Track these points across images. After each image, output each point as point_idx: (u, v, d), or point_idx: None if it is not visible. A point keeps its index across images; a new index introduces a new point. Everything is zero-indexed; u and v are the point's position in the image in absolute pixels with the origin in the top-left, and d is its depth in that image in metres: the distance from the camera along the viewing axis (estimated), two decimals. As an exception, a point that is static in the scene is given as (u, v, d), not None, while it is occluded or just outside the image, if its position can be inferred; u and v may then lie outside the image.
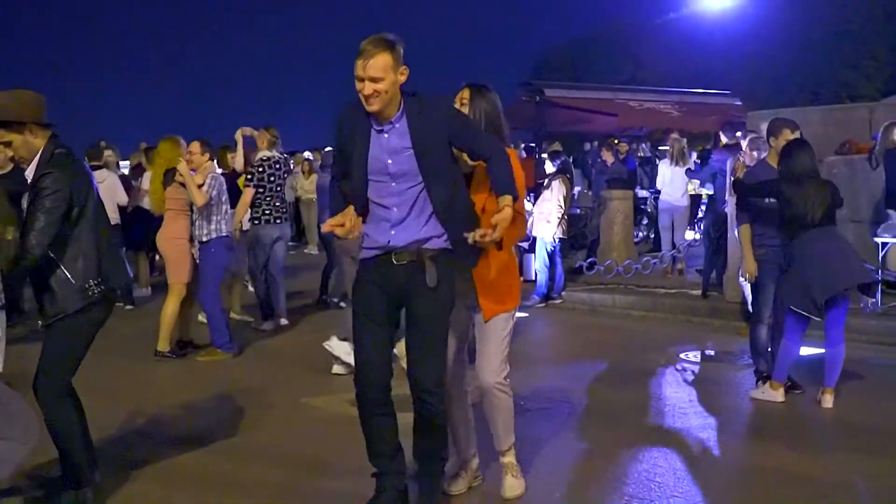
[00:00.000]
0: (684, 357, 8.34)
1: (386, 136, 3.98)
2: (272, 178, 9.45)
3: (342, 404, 6.47)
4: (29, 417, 4.08)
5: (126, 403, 6.29)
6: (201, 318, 9.46)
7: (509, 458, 4.58)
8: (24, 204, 4.37)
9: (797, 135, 6.78)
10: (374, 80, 3.82)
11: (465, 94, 4.33)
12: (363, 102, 3.90)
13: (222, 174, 9.02)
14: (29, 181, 4.34)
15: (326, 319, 10.19)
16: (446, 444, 4.28)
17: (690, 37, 31.47)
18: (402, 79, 3.91)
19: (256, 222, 9.47)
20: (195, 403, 6.60)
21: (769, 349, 6.85)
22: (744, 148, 8.95)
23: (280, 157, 9.70)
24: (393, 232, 4.02)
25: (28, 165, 4.38)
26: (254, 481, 4.85)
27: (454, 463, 4.59)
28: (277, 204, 9.50)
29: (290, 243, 18.12)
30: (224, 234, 8.11)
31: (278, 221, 9.53)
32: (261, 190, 9.38)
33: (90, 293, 4.33)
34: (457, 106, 4.27)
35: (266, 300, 9.78)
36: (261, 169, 9.41)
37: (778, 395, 6.50)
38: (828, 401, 6.32)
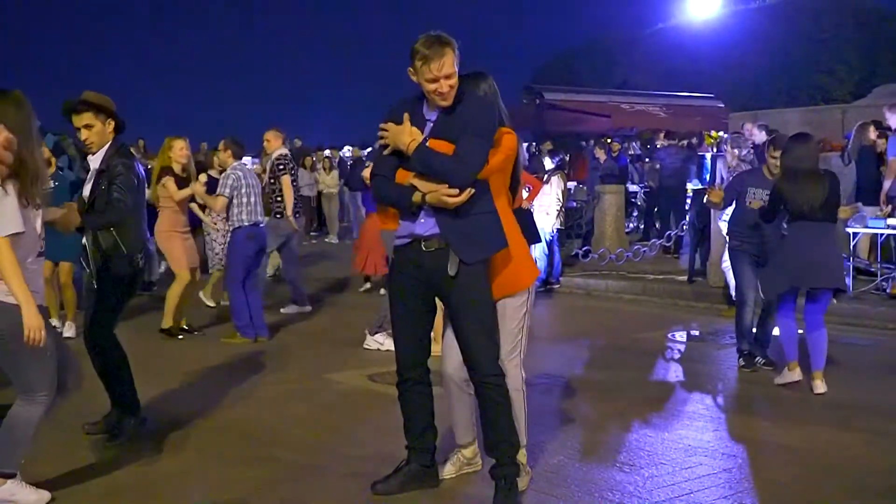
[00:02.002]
0: (671, 337, 8.34)
1: (430, 124, 3.84)
2: (293, 172, 9.30)
3: (361, 379, 6.49)
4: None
5: (151, 379, 6.20)
6: (210, 302, 9.49)
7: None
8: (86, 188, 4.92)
9: (776, 154, 6.39)
10: (448, 77, 3.71)
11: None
12: (436, 99, 3.76)
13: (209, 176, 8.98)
14: (94, 167, 4.89)
15: (346, 302, 10.24)
16: (514, 430, 3.98)
17: (677, 45, 31.31)
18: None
19: (279, 216, 9.06)
20: (219, 379, 6.56)
21: (753, 330, 6.84)
22: (727, 149, 8.94)
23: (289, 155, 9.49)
24: (422, 220, 3.81)
25: (94, 153, 4.89)
26: (272, 454, 4.79)
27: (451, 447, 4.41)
28: (296, 197, 9.31)
29: (313, 233, 18.32)
30: (246, 224, 7.78)
31: (297, 215, 9.29)
32: (272, 183, 9.07)
33: (134, 263, 4.90)
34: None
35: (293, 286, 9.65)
36: (281, 166, 9.12)
37: (795, 374, 6.19)
38: (818, 386, 5.99)
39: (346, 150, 24.64)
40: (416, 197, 3.73)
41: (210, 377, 6.61)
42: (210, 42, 66.19)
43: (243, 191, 7.81)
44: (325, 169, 18.48)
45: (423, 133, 3.78)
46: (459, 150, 3.70)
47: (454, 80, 3.74)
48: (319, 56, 70.06)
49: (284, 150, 9.43)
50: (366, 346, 7.44)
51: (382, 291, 10.62)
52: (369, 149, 18.62)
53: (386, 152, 3.82)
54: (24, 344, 3.69)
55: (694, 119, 20.04)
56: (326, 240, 18.06)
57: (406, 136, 3.73)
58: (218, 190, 7.87)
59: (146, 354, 6.98)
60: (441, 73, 3.70)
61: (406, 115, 3.78)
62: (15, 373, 3.86)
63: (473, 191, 3.70)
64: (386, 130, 3.80)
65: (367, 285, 10.87)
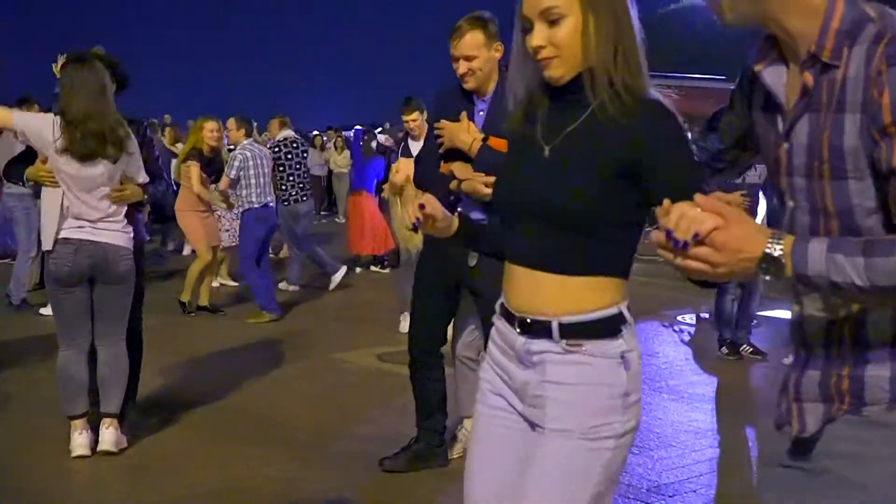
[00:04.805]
0: (680, 319, 8.32)
1: (481, 113, 3.75)
2: (289, 157, 8.83)
3: (370, 358, 6.47)
4: None
5: (155, 358, 6.13)
6: (215, 283, 9.25)
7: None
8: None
9: None
10: (467, 58, 3.65)
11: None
12: (460, 80, 3.73)
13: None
14: None
15: (355, 282, 10.21)
16: None
17: (689, 25, 31.12)
18: (497, 55, 3.70)
19: (286, 203, 8.82)
20: (226, 359, 6.55)
21: (734, 316, 6.74)
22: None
23: (297, 138, 9.20)
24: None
25: None
26: (278, 433, 4.78)
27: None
28: (301, 182, 8.91)
29: (323, 212, 18.34)
30: (256, 206, 7.66)
31: (304, 199, 8.94)
32: (280, 169, 8.73)
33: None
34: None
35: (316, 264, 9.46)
36: (276, 149, 8.84)
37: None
38: None
39: (357, 129, 24.56)
40: (453, 184, 3.69)
41: (217, 357, 6.60)
42: (205, 19, 65.39)
43: (251, 171, 7.67)
44: (337, 148, 18.41)
45: (470, 117, 3.72)
46: None
47: (476, 64, 3.66)
48: (326, 35, 69.73)
49: (283, 134, 9.04)
50: (403, 331, 7.23)
51: (387, 270, 10.60)
52: (379, 129, 18.59)
53: (442, 150, 3.76)
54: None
55: (707, 101, 19.86)
56: (336, 220, 18.06)
57: (466, 135, 3.66)
58: (225, 170, 7.82)
59: (156, 331, 6.97)
60: (458, 52, 3.66)
61: (464, 114, 3.71)
62: (123, 314, 4.24)
63: None
64: (441, 128, 3.74)
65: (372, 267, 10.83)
